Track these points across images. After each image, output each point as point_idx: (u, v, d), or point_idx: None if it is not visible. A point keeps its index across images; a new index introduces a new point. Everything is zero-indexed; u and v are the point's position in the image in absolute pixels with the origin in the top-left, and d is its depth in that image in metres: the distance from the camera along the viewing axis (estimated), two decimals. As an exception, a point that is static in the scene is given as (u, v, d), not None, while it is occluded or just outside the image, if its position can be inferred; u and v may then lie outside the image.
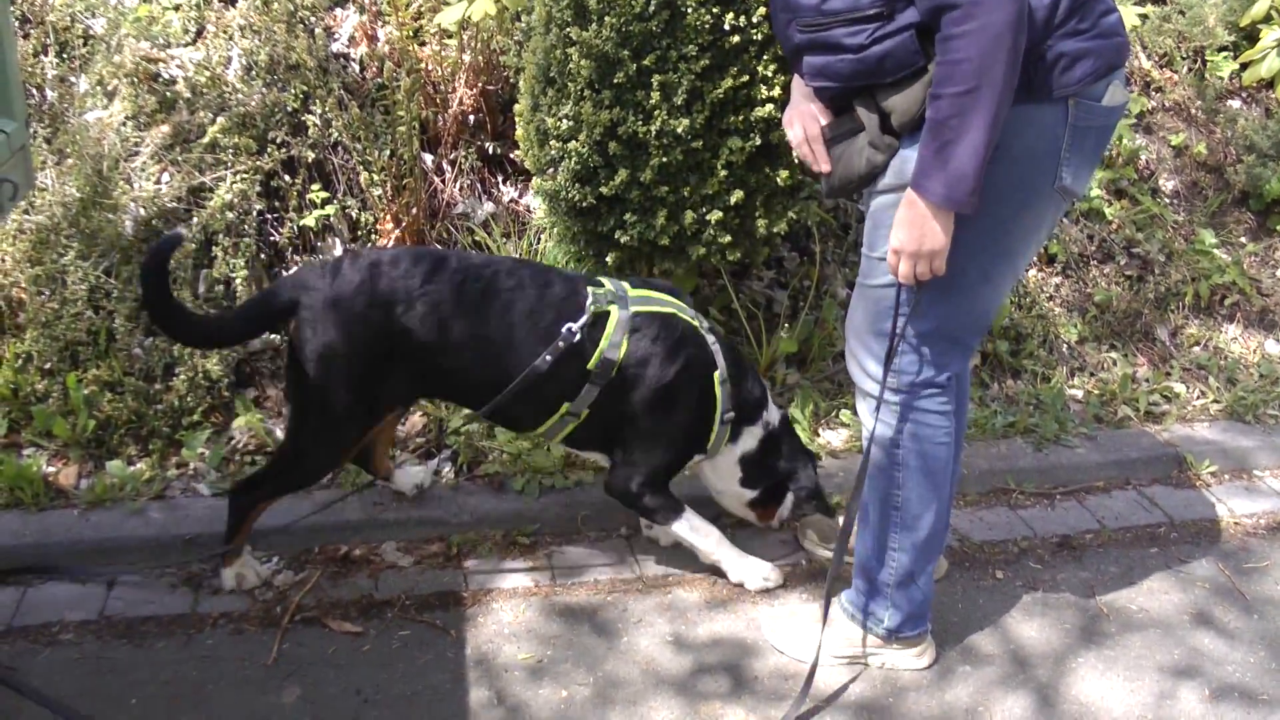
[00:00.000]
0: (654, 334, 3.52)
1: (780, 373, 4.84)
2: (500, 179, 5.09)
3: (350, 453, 3.67)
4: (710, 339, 3.64)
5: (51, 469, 3.97)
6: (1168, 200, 6.14)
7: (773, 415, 3.86)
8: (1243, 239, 6.21)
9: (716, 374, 3.59)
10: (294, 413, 3.53)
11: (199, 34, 4.84)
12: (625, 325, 3.47)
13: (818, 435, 4.63)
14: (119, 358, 4.14)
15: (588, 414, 3.53)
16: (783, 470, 3.87)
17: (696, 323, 3.64)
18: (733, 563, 3.82)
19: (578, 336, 3.39)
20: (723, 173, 4.05)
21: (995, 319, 4.78)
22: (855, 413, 4.48)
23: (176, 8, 4.84)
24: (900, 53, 2.77)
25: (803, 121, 3.12)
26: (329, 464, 3.67)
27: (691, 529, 3.74)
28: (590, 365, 3.44)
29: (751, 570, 3.83)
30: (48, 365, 4.11)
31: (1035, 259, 5.52)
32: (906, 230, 2.83)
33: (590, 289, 3.50)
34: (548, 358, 3.37)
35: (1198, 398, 5.42)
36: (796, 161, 3.85)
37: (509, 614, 3.65)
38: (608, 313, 3.47)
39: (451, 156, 4.98)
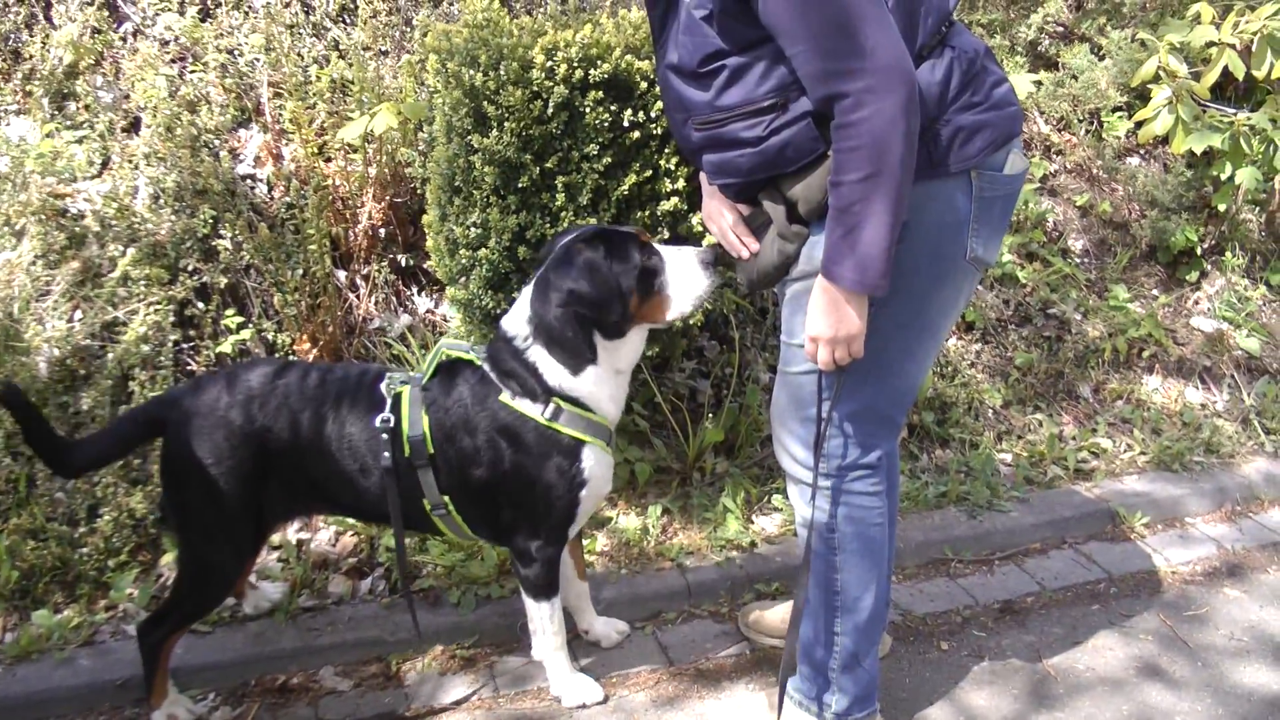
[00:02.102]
0: (442, 389, 3.42)
1: (709, 462, 4.83)
2: (415, 290, 5.08)
3: (248, 566, 3.66)
4: (485, 365, 3.44)
5: (-25, 624, 3.87)
6: (1078, 259, 6.24)
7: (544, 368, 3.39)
8: (1154, 291, 6.31)
9: (504, 395, 3.37)
10: (181, 536, 3.45)
11: (104, 165, 4.81)
12: (419, 400, 3.39)
13: (751, 522, 4.63)
14: (41, 504, 4.05)
15: (451, 500, 3.43)
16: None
17: (471, 355, 3.49)
18: (561, 674, 3.72)
19: (392, 421, 3.33)
20: (634, 268, 4.06)
21: (919, 392, 4.82)
22: (787, 497, 4.50)
23: (80, 140, 4.81)
24: (800, 141, 2.79)
25: (717, 217, 3.16)
26: (227, 581, 3.53)
27: (549, 619, 3.62)
28: (408, 453, 3.36)
29: (576, 689, 3.72)
30: (-35, 518, 4.02)
31: (954, 328, 5.58)
32: (821, 317, 2.83)
33: (387, 377, 3.45)
34: (386, 454, 3.32)
35: (1125, 451, 5.48)
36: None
37: (453, 730, 3.59)
38: (400, 394, 3.40)
39: (364, 271, 4.97)
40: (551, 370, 3.32)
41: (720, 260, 3.33)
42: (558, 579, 3.60)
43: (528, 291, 3.40)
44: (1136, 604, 4.40)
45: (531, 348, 3.34)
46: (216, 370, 3.51)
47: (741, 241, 3.10)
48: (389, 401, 3.36)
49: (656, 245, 3.32)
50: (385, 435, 3.31)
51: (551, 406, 3.33)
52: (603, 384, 3.39)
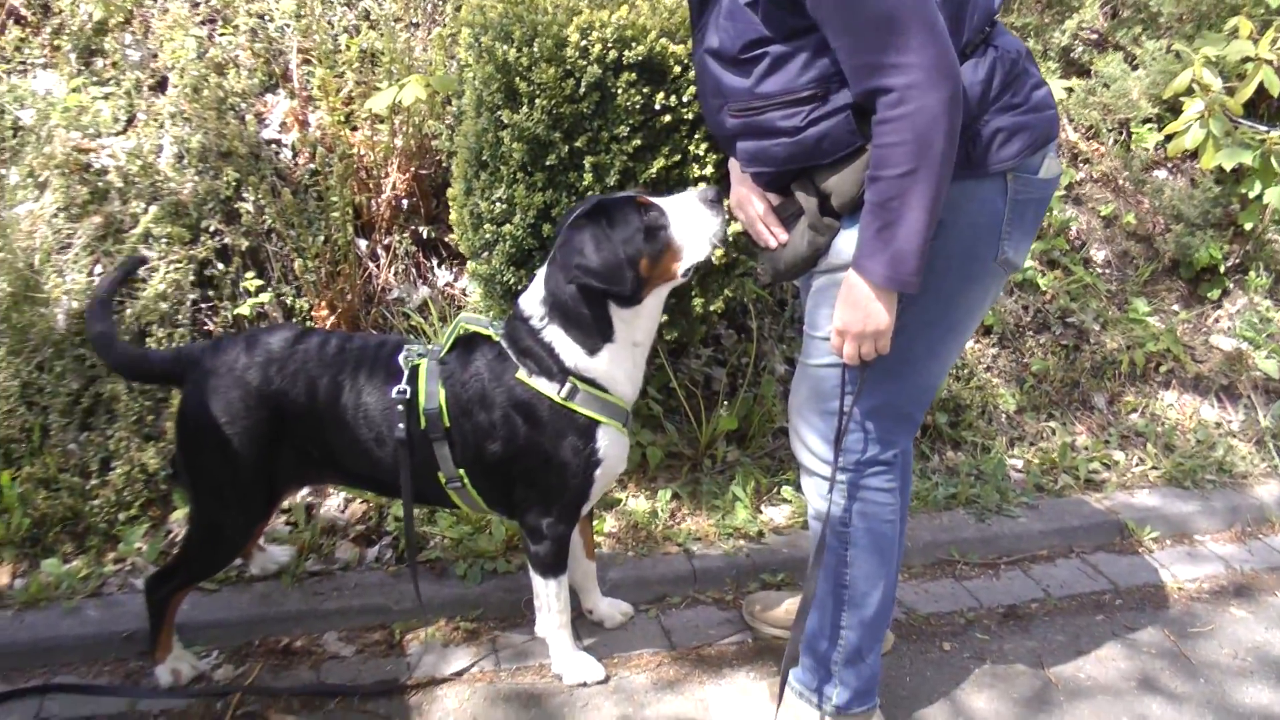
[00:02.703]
0: (460, 363, 3.40)
1: (721, 450, 4.83)
2: (435, 263, 5.08)
3: (258, 529, 3.68)
4: (502, 342, 3.41)
5: (-16, 569, 3.88)
6: (1100, 270, 6.22)
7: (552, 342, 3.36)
8: (1175, 306, 6.29)
9: (520, 372, 3.34)
10: (193, 494, 3.45)
11: (130, 122, 4.80)
12: (436, 373, 3.37)
13: (760, 512, 4.62)
14: (54, 454, 4.06)
15: (466, 475, 3.42)
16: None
17: (489, 330, 3.45)
18: (563, 652, 3.73)
19: (408, 393, 3.32)
20: (657, 252, 4.05)
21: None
22: (797, 489, 4.50)
23: (106, 97, 4.80)
24: (838, 133, 2.76)
25: (747, 204, 3.13)
26: (236, 543, 3.55)
27: (555, 596, 3.62)
28: (423, 425, 3.34)
29: (577, 667, 3.72)
30: (-21, 464, 4.02)
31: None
32: (849, 311, 2.81)
33: (405, 348, 3.43)
34: (400, 425, 3.31)
35: (1137, 464, 5.46)
36: (731, 240, 3.85)
37: (454, 701, 3.58)
38: (418, 366, 3.38)
39: (386, 241, 4.96)
40: (568, 350, 3.30)
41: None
42: (566, 557, 3.59)
43: (543, 271, 3.38)
44: (1141, 617, 4.38)
45: (547, 327, 3.31)
46: (236, 332, 3.49)
47: (770, 231, 3.08)
48: (406, 373, 3.35)
49: (656, 200, 3.28)
50: (401, 406, 3.31)
51: (568, 386, 3.30)
52: (619, 362, 3.35)
